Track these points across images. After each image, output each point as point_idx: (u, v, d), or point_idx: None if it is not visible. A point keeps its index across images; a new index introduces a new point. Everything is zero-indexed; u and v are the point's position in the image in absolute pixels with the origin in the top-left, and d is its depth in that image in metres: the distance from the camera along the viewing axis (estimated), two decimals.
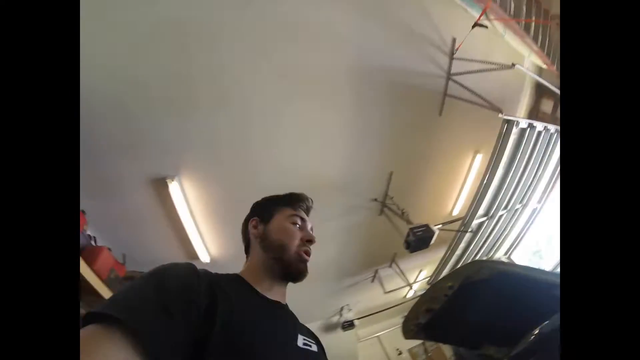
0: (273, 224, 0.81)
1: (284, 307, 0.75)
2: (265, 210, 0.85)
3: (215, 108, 2.48)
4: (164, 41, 2.08)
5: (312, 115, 2.78)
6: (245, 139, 2.74)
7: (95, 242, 2.24)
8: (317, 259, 3.10)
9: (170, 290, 0.50)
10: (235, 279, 0.71)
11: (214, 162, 2.80)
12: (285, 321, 0.70)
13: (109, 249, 2.12)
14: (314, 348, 0.71)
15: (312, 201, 0.90)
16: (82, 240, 2.01)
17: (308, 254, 0.78)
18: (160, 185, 2.75)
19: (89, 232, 2.25)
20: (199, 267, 0.62)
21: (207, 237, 3.31)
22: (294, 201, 0.86)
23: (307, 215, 0.87)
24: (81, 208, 2.19)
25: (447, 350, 6.28)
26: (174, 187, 2.74)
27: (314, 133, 2.91)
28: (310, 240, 0.79)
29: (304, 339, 0.70)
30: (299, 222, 0.81)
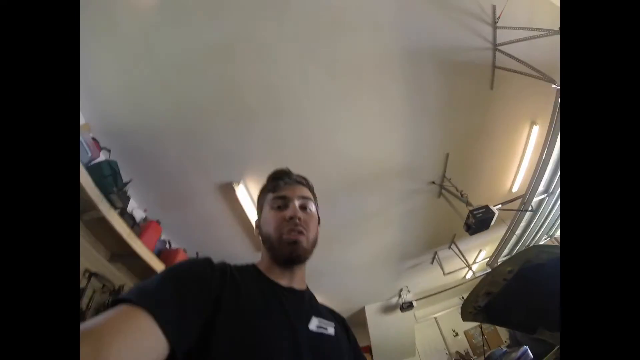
0: (262, 217, 0.80)
1: (298, 292, 0.74)
2: (258, 206, 0.85)
3: (270, 112, 2.66)
4: (213, 60, 2.28)
5: (364, 105, 2.84)
6: (302, 136, 2.91)
7: (170, 245, 2.62)
8: (380, 243, 3.26)
9: (184, 281, 0.56)
10: (250, 269, 0.74)
11: (275, 162, 2.97)
12: (295, 305, 0.69)
13: (184, 250, 2.46)
14: (330, 331, 0.71)
15: (289, 171, 0.84)
16: (159, 246, 2.36)
17: (296, 231, 0.72)
18: (227, 190, 3.05)
19: (163, 238, 2.63)
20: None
21: None
22: (271, 182, 0.82)
23: (299, 184, 0.83)
24: (156, 219, 2.57)
25: (502, 333, 6.08)
26: (240, 190, 3.02)
27: (368, 122, 2.98)
28: (292, 217, 0.74)
29: (319, 322, 0.70)
30: (280, 202, 0.77)
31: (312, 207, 0.81)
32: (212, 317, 0.55)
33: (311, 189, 0.86)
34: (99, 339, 0.40)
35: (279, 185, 0.79)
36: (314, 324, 0.69)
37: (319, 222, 0.84)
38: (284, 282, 0.73)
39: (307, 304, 0.74)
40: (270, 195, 0.79)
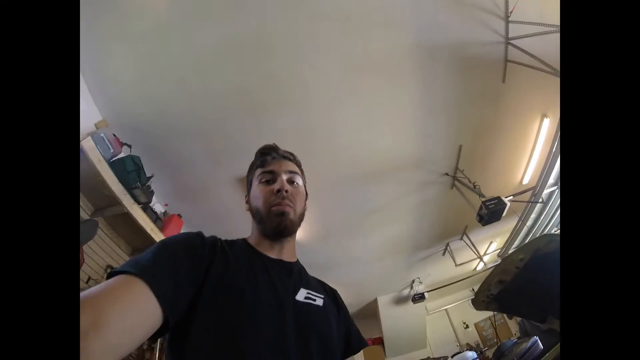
0: (251, 193, 0.81)
1: (286, 264, 0.75)
2: (247, 182, 0.86)
3: (286, 106, 2.72)
4: (227, 54, 2.34)
5: (380, 100, 2.89)
6: (318, 131, 2.97)
7: None
8: (393, 234, 3.26)
9: (177, 253, 0.58)
10: (239, 243, 0.76)
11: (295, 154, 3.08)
12: (283, 276, 0.70)
13: None
14: (319, 302, 0.73)
15: (276, 146, 0.85)
16: None
17: (283, 205, 0.74)
18: (244, 183, 3.11)
19: (182, 231, 2.72)
20: None
21: None
22: (259, 158, 0.83)
23: (286, 159, 0.84)
24: (177, 212, 2.65)
25: (512, 326, 6.11)
26: None
27: (383, 116, 3.03)
28: (279, 190, 0.75)
29: (308, 293, 0.72)
30: (269, 177, 0.79)
31: (299, 181, 0.82)
32: (200, 287, 0.57)
33: (298, 164, 0.87)
34: (98, 306, 0.42)
35: (267, 161, 0.81)
36: (301, 295, 0.70)
37: (306, 197, 0.86)
38: (272, 254, 0.74)
39: (295, 275, 0.74)
40: (258, 170, 0.81)
